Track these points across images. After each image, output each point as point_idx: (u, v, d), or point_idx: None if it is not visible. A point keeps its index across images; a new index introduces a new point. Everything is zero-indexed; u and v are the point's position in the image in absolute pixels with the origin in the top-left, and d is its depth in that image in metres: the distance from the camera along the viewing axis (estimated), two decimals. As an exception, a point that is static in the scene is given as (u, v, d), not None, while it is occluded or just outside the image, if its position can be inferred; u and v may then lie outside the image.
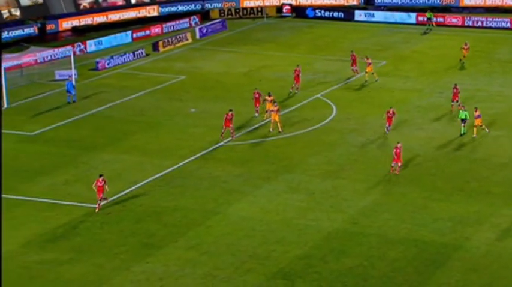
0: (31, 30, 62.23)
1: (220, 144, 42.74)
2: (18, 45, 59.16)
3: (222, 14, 71.63)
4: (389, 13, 71.75)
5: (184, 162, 40.28)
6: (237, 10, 72.42)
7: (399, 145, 38.53)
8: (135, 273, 29.77)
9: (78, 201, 35.58)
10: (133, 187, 37.19)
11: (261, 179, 38.28)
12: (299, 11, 73.22)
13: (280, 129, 43.97)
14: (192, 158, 40.90)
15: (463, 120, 43.15)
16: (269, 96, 45.75)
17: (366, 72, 52.74)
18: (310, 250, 31.69)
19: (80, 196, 36.14)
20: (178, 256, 31.11)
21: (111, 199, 35.77)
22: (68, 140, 43.29)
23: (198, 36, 65.72)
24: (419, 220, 34.00)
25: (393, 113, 43.90)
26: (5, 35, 60.59)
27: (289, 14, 73.41)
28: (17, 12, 63.00)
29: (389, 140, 42.62)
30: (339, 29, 69.44)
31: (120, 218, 34.13)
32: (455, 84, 48.03)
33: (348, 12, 72.03)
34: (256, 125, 45.50)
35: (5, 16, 62.41)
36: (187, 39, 64.26)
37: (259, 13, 72.76)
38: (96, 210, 34.36)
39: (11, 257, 30.61)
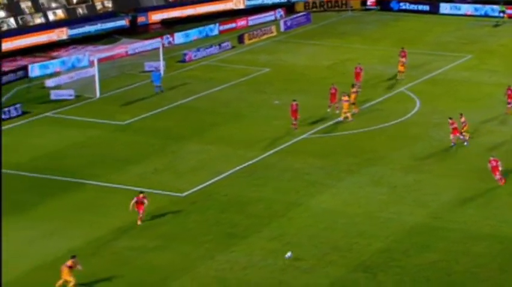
0: (123, 22, 63.34)
1: (303, 136, 42.71)
2: (111, 37, 60.32)
3: (307, 7, 71.40)
4: (475, 6, 70.15)
5: (267, 153, 40.40)
6: (322, 3, 72.06)
7: (493, 159, 36.08)
8: (220, 262, 30.07)
9: (166, 190, 36.12)
10: (218, 177, 37.53)
11: (344, 172, 38.09)
12: (384, 4, 72.34)
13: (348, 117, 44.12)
14: (275, 149, 40.98)
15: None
16: (346, 96, 44.97)
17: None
18: (392, 244, 31.39)
19: (168, 184, 36.69)
20: (261, 246, 31.27)
21: (198, 187, 36.21)
22: (156, 129, 43.96)
23: (282, 29, 65.68)
24: (503, 217, 33.26)
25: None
26: (98, 27, 61.89)
27: (374, 7, 72.58)
28: (109, 5, 64.23)
29: (474, 135, 41.77)
30: (424, 22, 68.28)
31: (206, 208, 34.51)
32: None
33: (433, 5, 70.78)
34: (340, 118, 45.22)
35: (98, 8, 63.68)
36: (272, 32, 64.32)
37: (344, 6, 72.19)
38: (139, 223, 32.73)
39: (103, 244, 31.41)
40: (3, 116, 44.97)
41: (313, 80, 52.56)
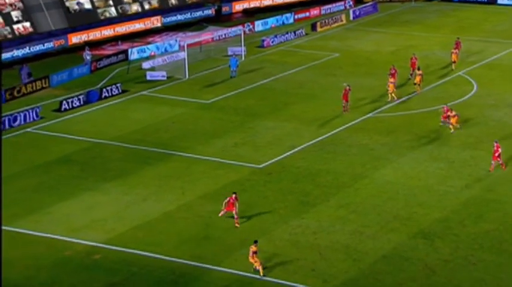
0: (209, 11, 63.47)
1: (369, 115, 42.21)
2: (199, 24, 60.58)
3: (374, -2, 70.19)
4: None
5: (336, 130, 40.10)
6: (388, -6, 70.69)
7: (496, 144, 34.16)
8: (292, 227, 30.11)
9: (245, 161, 36.28)
10: (291, 151, 37.48)
11: (405, 148, 37.53)
12: (444, -5, 70.53)
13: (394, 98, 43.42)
14: (344, 127, 40.64)
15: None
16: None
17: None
18: (449, 214, 30.85)
19: (247, 157, 36.83)
20: (329, 213, 31.17)
21: (274, 160, 36.27)
22: (236, 108, 44.09)
23: (351, 17, 64.78)
24: (553, 191, 32.27)
25: None
26: (188, 15, 62.05)
27: (435, -2, 70.88)
28: None
29: (527, 116, 40.53)
30: (482, 12, 66.33)
31: (280, 178, 34.53)
32: None
33: (491, -4, 68.67)
34: (404, 98, 44.52)
35: None
36: (341, 21, 63.52)
37: (408, -3, 70.72)
38: (237, 225, 30.07)
39: (190, 207, 31.83)
40: (105, 94, 45.81)
41: (379, 64, 51.74)
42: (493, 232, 29.27)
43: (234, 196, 30.39)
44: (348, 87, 42.39)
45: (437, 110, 39.14)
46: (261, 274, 26.58)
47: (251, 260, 26.68)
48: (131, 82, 48.59)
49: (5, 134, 39.82)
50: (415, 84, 45.52)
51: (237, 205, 30.19)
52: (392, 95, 43.89)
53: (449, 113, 38.80)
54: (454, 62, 49.42)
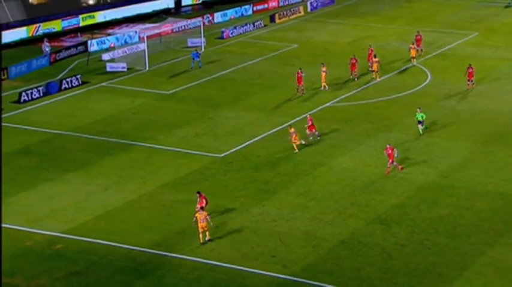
0: (169, 3, 62.85)
1: (327, 104, 42.37)
2: (158, 16, 60.03)
3: (331, -10, 70.36)
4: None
5: (295, 120, 40.13)
6: (344, -14, 70.90)
7: (389, 146, 33.45)
8: (253, 214, 30.10)
9: (205, 151, 36.13)
10: (252, 140, 37.43)
11: (362, 137, 37.78)
12: (399, -13, 70.97)
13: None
14: (302, 116, 40.67)
15: (420, 122, 37.19)
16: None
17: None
18: (405, 200, 31.17)
19: (208, 146, 36.69)
20: (289, 201, 31.24)
21: (234, 149, 36.19)
22: (197, 98, 43.86)
23: (309, 9, 64.91)
24: (506, 176, 32.83)
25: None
26: (146, 8, 61.37)
27: (391, -10, 71.26)
28: None
29: (478, 102, 41.10)
30: (435, 3, 67.03)
31: (241, 167, 34.48)
32: None
33: (444, -12, 69.33)
34: (360, 89, 44.78)
35: None
36: (299, 12, 63.61)
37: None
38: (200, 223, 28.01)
39: (152, 197, 31.58)
40: (65, 85, 45.14)
41: (336, 54, 51.97)
42: (447, 217, 29.65)
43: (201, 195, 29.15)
44: (299, 71, 43.04)
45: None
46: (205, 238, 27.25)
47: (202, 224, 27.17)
48: (91, 74, 47.98)
49: (-37, 126, 38.97)
50: (372, 71, 45.79)
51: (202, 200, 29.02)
52: (324, 84, 44.26)
53: (310, 123, 36.73)
54: (413, 57, 48.60)
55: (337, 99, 43.39)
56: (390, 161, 33.38)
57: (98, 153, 35.92)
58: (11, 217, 29.46)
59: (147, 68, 48.94)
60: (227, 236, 28.38)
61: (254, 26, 59.01)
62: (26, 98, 42.88)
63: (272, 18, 61.23)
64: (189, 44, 53.69)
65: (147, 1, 61.17)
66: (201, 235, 27.56)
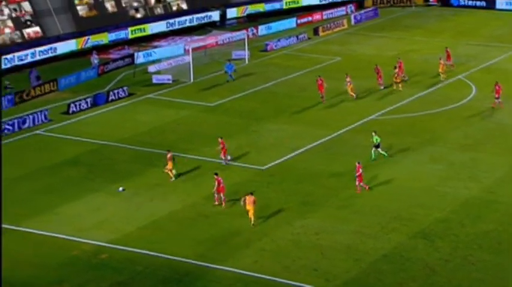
0: (214, 16, 63.24)
1: (371, 117, 42.13)
2: (203, 29, 60.50)
3: (375, 3, 70.09)
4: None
5: (338, 132, 40.02)
6: (388, -1, 70.68)
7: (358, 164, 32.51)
8: (295, 227, 30.03)
9: (249, 163, 36.21)
10: (294, 153, 37.41)
11: (406, 150, 37.43)
12: (444, 0, 70.38)
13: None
14: (346, 129, 40.56)
15: (376, 146, 35.87)
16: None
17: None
18: (449, 214, 30.75)
19: (251, 159, 36.77)
20: (331, 214, 31.09)
21: (277, 161, 36.20)
22: (240, 111, 44.03)
23: (353, 22, 64.73)
24: (551, 193, 32.13)
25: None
26: (192, 21, 61.69)
27: (435, 3, 70.70)
28: (183, 5, 63.12)
29: (525, 119, 40.38)
30: (480, 17, 66.20)
31: (283, 180, 34.45)
32: None
33: (490, 1, 68.47)
34: (404, 101, 44.43)
35: (174, 8, 63.22)
36: (343, 25, 63.48)
37: (408, 2, 70.59)
38: (223, 204, 31.35)
39: (195, 207, 31.77)
40: (112, 97, 45.78)
41: (380, 68, 51.54)
42: (491, 233, 29.15)
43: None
44: (319, 79, 43.88)
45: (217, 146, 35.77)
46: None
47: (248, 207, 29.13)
48: (138, 85, 48.57)
49: (14, 136, 39.84)
50: (396, 83, 46.18)
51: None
52: (351, 93, 44.67)
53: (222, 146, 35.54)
54: (442, 73, 47.99)
55: (381, 112, 43.11)
56: (358, 180, 32.25)
57: (143, 164, 36.30)
58: (59, 227, 29.96)
59: (192, 80, 49.35)
60: (269, 249, 28.36)
61: (298, 39, 59.08)
62: (74, 109, 43.64)
63: (316, 31, 61.24)
64: (233, 57, 53.96)
65: (192, 14, 61.72)
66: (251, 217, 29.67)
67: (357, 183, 32.66)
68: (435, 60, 51.51)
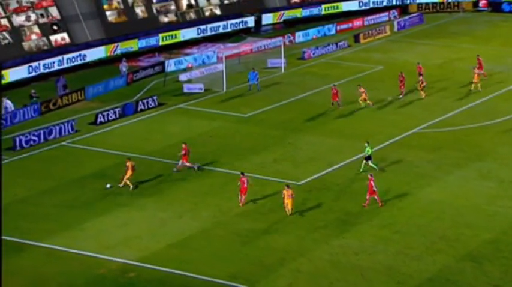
0: (249, 22, 63.49)
1: (414, 131, 41.86)
2: (237, 35, 60.79)
3: (420, 8, 69.73)
4: None
5: (379, 146, 39.80)
6: (434, 4, 70.18)
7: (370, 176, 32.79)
8: (333, 246, 29.91)
9: (284, 178, 36.16)
10: (332, 168, 37.31)
11: (452, 166, 37.09)
12: (495, 6, 69.68)
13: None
14: (387, 143, 40.35)
15: (368, 158, 36.16)
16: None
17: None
18: (499, 235, 30.36)
19: (286, 173, 36.76)
20: (372, 233, 30.91)
21: (313, 176, 36.12)
22: (276, 122, 44.08)
23: (396, 29, 64.46)
24: None
25: None
26: (225, 27, 61.98)
27: (485, 9, 70.06)
28: (217, 11, 63.45)
29: None
30: (533, 23, 65.49)
31: (320, 196, 34.38)
32: None
33: (544, 6, 67.71)
34: (449, 114, 44.06)
35: (225, 1, 63.66)
36: (386, 32, 63.26)
37: (456, 7, 70.06)
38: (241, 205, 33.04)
39: (227, 225, 31.85)
40: (141, 107, 46.19)
41: (425, 78, 51.21)
42: (545, 256, 28.69)
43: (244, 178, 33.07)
44: (334, 87, 44.88)
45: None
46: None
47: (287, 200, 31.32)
48: (168, 95, 48.96)
49: (40, 147, 40.44)
50: (419, 90, 46.46)
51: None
52: (368, 102, 45.15)
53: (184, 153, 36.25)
54: (475, 82, 47.50)
55: (424, 125, 42.81)
56: (369, 193, 32.44)
57: (173, 178, 36.52)
58: (85, 243, 30.27)
59: (225, 90, 49.59)
60: (305, 270, 28.28)
61: (337, 46, 59.03)
62: (102, 119, 44.14)
63: (356, 38, 61.13)
64: (269, 65, 54.12)
65: (226, 20, 62.09)
66: (286, 209, 32.00)
67: (367, 196, 32.62)
68: (484, 69, 50.95)
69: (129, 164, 35.06)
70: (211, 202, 34.00)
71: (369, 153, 36.20)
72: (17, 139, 40.05)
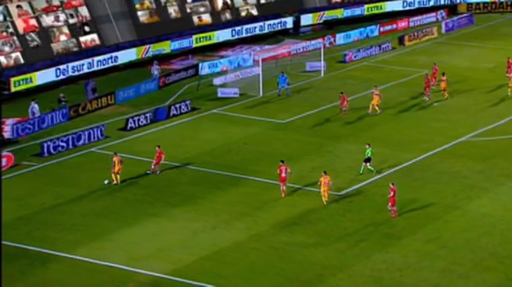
0: (287, 23, 63.50)
1: (462, 139, 41.49)
2: (275, 37, 60.88)
3: (470, 9, 69.09)
4: None
5: (424, 155, 39.57)
6: (486, 4, 69.48)
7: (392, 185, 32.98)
8: (375, 262, 29.76)
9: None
10: (375, 178, 37.14)
11: (504, 177, 36.70)
12: (550, 5, 68.85)
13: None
14: (433, 152, 40.08)
15: (367, 160, 37.06)
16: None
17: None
18: (553, 253, 29.89)
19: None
20: (416, 248, 30.69)
21: (355, 187, 36.02)
22: (314, 129, 44.06)
23: (444, 30, 64.01)
24: None
25: None
26: (262, 28, 62.12)
27: (540, 8, 69.25)
28: (253, 11, 63.60)
29: None
30: None
31: (362, 207, 34.25)
32: None
33: None
34: (502, 121, 43.60)
35: (262, 1, 63.65)
36: (432, 34, 62.84)
37: (509, 7, 69.26)
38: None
39: (263, 237, 31.88)
40: (173, 112, 46.50)
41: (474, 82, 50.87)
42: None
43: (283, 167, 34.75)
44: (342, 94, 45.25)
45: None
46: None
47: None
48: (201, 99, 49.23)
49: (68, 154, 40.94)
50: (442, 91, 46.93)
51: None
52: (376, 107, 45.43)
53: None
54: (510, 86, 47.55)
55: (474, 133, 42.43)
56: (391, 204, 32.66)
57: (206, 187, 36.69)
58: (113, 255, 30.52)
59: (261, 94, 49.69)
60: (346, 286, 28.14)
61: (380, 49, 58.82)
62: (132, 125, 44.52)
63: (401, 40, 60.85)
64: (308, 68, 54.13)
65: (263, 21, 62.20)
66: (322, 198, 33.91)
67: (389, 207, 32.65)
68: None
69: (115, 159, 36.35)
70: (246, 212, 34.08)
71: (369, 155, 37.10)
72: (45, 145, 40.62)
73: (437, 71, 49.29)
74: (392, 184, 33.19)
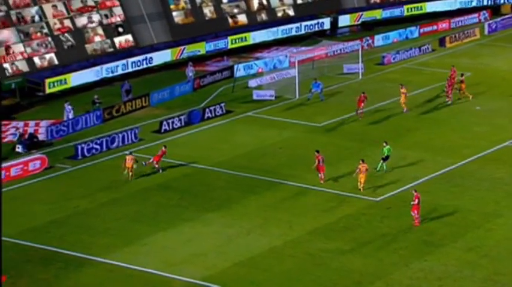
0: (324, 24, 63.40)
1: (505, 144, 41.11)
2: (311, 38, 60.88)
3: (514, 9, 68.46)
4: None
5: (466, 161, 39.28)
6: (531, 4, 68.78)
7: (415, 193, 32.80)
8: (414, 270, 29.63)
9: (361, 194, 36.06)
10: (414, 183, 36.95)
11: (548, 184, 36.25)
12: None
13: None
14: (474, 157, 39.77)
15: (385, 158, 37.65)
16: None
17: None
18: None
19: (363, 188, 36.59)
20: (457, 256, 30.49)
21: (393, 192, 35.90)
22: (352, 132, 43.98)
23: (486, 31, 63.44)
24: None
25: None
26: (299, 29, 62.18)
27: None
28: (290, 11, 63.57)
29: None
30: None
31: (400, 214, 34.10)
32: None
33: None
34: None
35: (299, 1, 63.60)
36: (475, 35, 62.32)
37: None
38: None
39: (298, 243, 31.91)
40: (208, 114, 46.73)
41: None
42: None
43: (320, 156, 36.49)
44: (363, 95, 45.56)
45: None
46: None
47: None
48: (236, 102, 49.41)
49: (102, 156, 41.37)
50: (460, 92, 47.23)
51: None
52: (403, 105, 46.17)
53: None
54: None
55: (517, 138, 42.02)
56: (415, 211, 32.57)
57: (241, 191, 36.83)
58: (147, 260, 30.77)
59: (298, 97, 49.71)
60: (383, 295, 28.12)
61: (420, 51, 58.50)
62: (166, 127, 44.86)
63: (442, 42, 60.44)
64: (345, 71, 54.04)
65: (300, 21, 62.19)
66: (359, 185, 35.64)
67: (412, 214, 32.58)
68: None
69: (132, 157, 38.04)
70: (282, 217, 34.13)
71: (386, 154, 37.75)
72: (79, 147, 41.12)
73: (456, 73, 48.68)
74: (415, 191, 32.99)
